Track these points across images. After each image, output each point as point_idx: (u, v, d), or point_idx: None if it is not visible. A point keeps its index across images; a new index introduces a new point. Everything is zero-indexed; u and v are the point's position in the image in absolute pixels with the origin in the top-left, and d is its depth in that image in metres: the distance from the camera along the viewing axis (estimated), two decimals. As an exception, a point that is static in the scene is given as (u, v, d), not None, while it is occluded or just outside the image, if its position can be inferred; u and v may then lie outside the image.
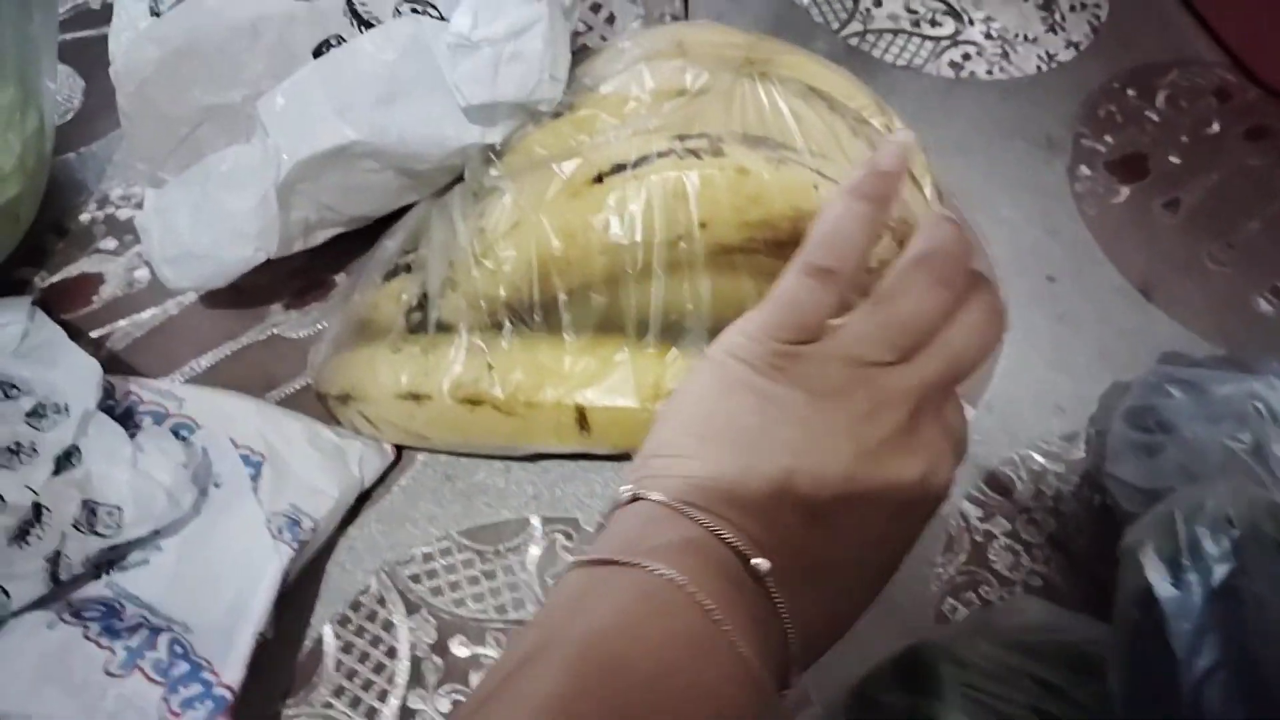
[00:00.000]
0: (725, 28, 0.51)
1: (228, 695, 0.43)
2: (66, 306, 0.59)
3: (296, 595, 0.49)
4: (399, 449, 0.54)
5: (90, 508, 0.46)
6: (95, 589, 0.48)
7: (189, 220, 0.53)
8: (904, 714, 0.40)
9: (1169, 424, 0.45)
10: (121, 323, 0.58)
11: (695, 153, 0.43)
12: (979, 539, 0.51)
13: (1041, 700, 0.38)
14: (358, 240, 0.57)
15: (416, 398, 0.48)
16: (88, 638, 0.45)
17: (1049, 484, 0.53)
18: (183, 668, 0.44)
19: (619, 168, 0.44)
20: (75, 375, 0.51)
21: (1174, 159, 0.67)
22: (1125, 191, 0.65)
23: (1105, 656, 0.37)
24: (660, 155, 0.44)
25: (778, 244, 0.43)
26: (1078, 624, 0.42)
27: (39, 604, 0.46)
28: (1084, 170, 0.66)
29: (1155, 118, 0.69)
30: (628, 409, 0.45)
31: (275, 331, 0.58)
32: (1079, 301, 0.59)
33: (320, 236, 0.55)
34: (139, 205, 0.63)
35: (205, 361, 0.57)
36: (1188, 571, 0.35)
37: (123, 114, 0.54)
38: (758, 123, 0.46)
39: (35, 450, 0.47)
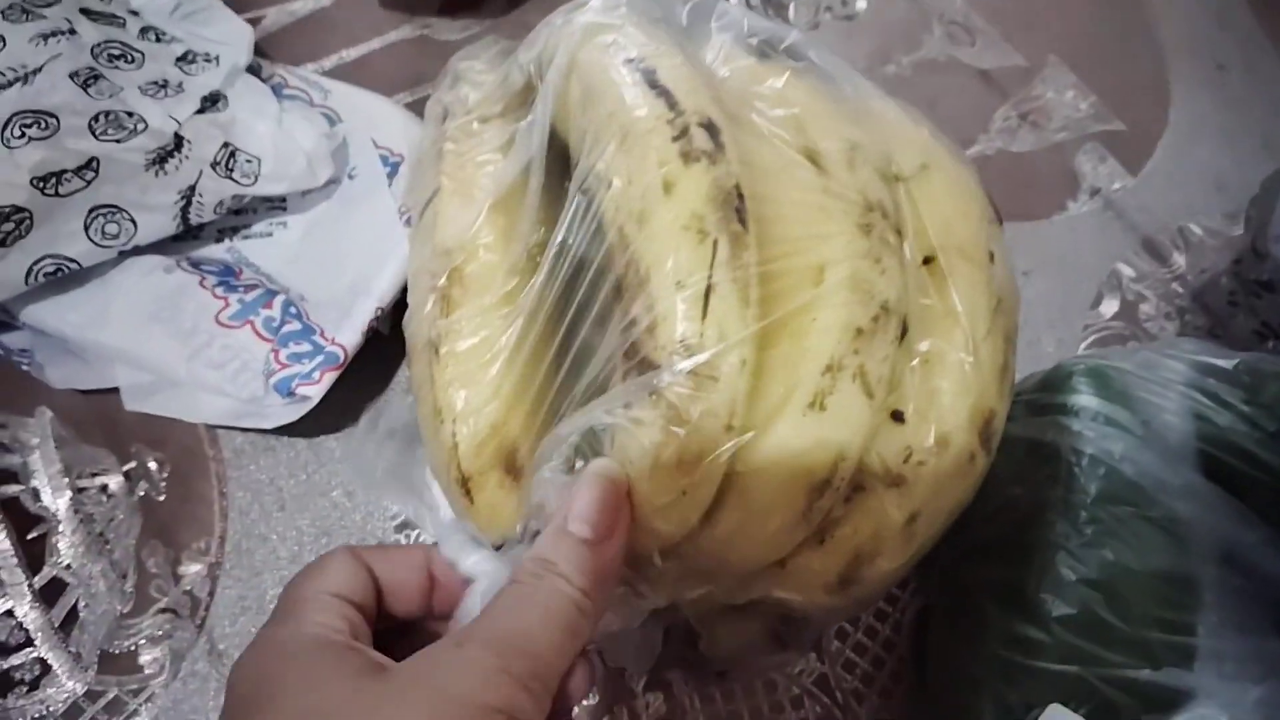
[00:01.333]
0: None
1: (340, 353, 0.42)
2: (220, -12, 0.57)
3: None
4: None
5: (230, 150, 0.44)
6: (217, 251, 0.47)
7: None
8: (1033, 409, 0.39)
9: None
10: (272, 10, 0.56)
11: None
12: (1130, 298, 0.51)
13: (1201, 408, 0.36)
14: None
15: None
16: (203, 286, 0.44)
17: (1206, 255, 0.52)
18: (295, 326, 0.43)
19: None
20: (227, 33, 0.49)
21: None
22: (1300, -9, 0.62)
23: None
24: None
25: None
26: (1240, 354, 0.39)
27: (161, 250, 0.45)
28: (1258, -32, 0.63)
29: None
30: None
31: (425, 33, 0.56)
32: (1248, 92, 0.58)
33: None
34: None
35: (353, 53, 0.55)
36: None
37: None
38: None
39: (182, 89, 0.45)
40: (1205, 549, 0.37)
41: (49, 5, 0.45)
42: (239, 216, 0.47)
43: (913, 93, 0.56)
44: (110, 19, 0.47)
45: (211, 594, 0.41)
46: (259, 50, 0.51)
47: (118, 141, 0.42)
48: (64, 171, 0.41)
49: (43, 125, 0.40)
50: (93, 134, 0.41)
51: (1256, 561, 0.37)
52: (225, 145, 0.44)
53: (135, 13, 0.50)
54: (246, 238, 0.47)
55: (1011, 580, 0.38)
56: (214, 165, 0.44)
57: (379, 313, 0.43)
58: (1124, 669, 0.34)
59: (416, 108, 0.53)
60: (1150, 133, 0.56)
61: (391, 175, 0.48)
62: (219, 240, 0.47)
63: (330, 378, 0.41)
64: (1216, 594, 0.36)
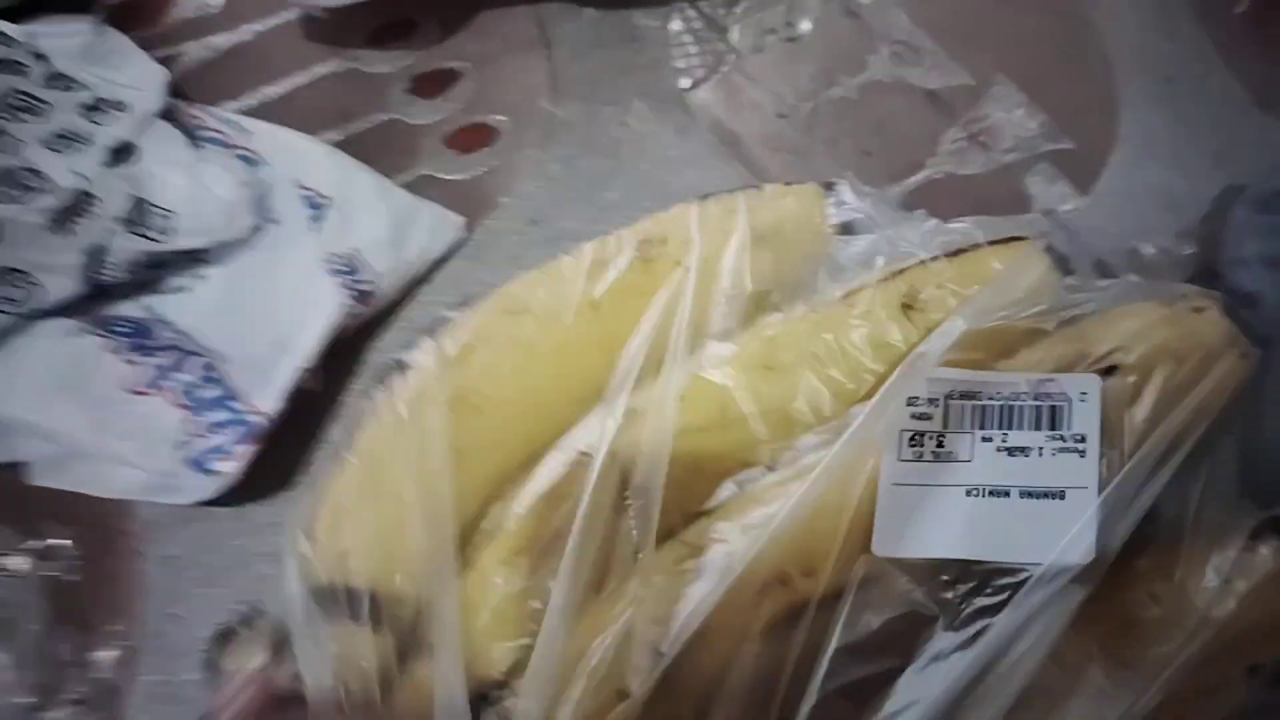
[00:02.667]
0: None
1: (261, 421, 0.39)
2: (133, 25, 0.54)
3: (348, 363, 0.45)
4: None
5: (141, 205, 0.42)
6: (130, 309, 0.44)
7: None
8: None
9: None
10: (190, 45, 0.54)
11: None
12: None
13: None
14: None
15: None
16: (112, 351, 0.41)
17: (1158, 276, 0.49)
18: (213, 392, 0.40)
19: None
20: (138, 77, 0.47)
21: (1293, -22, 0.62)
22: (1245, 2, 0.60)
23: None
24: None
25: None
26: None
27: (68, 312, 0.42)
28: (1203, -21, 0.62)
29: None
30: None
31: (354, 65, 0.54)
32: (1197, 105, 0.56)
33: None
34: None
35: (277, 90, 0.52)
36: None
37: None
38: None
39: (90, 140, 0.43)
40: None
41: (-56, 55, 0.43)
42: (153, 270, 0.45)
43: (860, 116, 0.54)
44: (14, 66, 0.44)
45: (127, 681, 0.38)
46: (177, 90, 0.49)
47: (19, 202, 0.39)
48: (-41, 237, 0.38)
49: (-64, 189, 0.38)
50: (-11, 196, 0.39)
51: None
52: (136, 200, 0.42)
53: (43, 56, 0.47)
54: (161, 293, 0.45)
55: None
56: (124, 221, 0.41)
57: (304, 377, 0.41)
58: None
59: (345, 146, 0.50)
60: (1100, 150, 0.54)
61: (317, 219, 0.46)
62: (131, 297, 0.45)
63: (248, 451, 0.39)
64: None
